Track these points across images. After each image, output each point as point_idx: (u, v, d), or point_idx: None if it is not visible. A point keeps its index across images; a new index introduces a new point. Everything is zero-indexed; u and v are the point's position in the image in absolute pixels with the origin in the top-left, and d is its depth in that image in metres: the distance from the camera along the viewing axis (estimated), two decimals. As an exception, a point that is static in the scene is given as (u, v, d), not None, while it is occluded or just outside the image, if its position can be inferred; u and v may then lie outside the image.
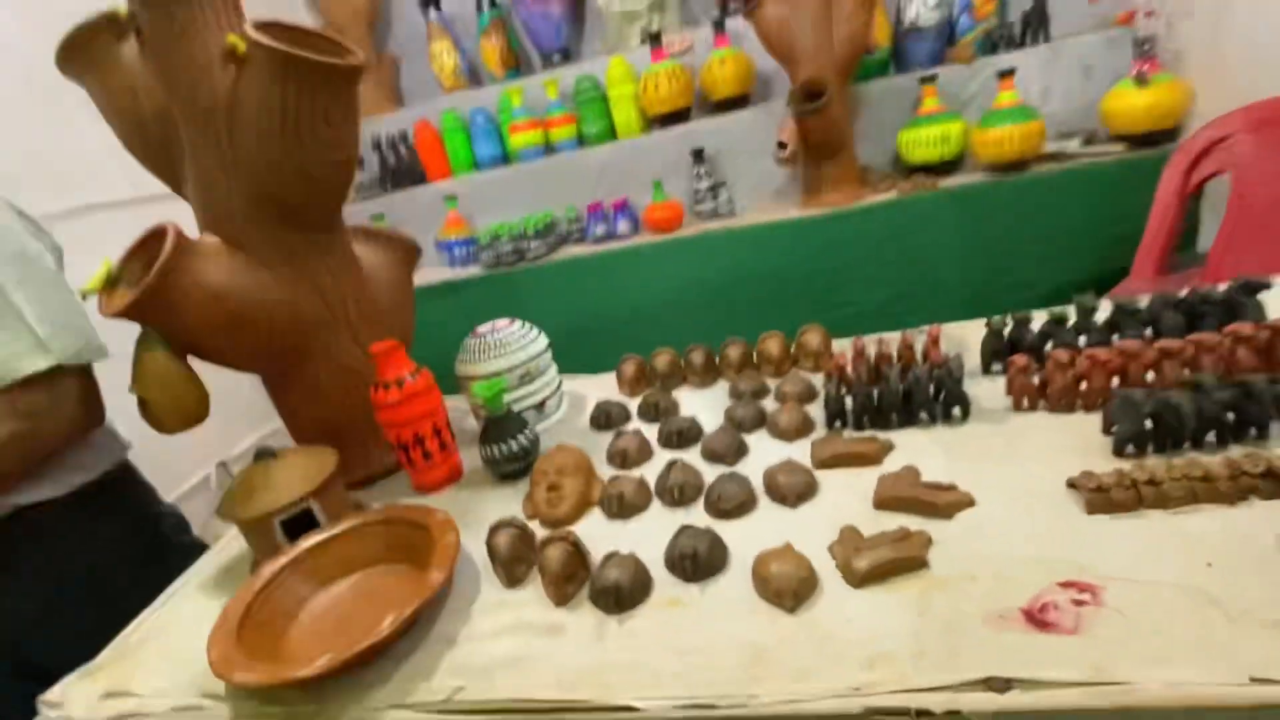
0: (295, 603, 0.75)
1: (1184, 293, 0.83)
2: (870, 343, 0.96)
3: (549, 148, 2.52)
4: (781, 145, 1.98)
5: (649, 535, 0.75)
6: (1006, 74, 1.86)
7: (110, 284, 0.81)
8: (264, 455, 0.84)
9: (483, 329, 1.03)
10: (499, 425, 0.89)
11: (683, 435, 0.89)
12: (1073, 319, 0.87)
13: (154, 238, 0.82)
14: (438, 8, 2.69)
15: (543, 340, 1.05)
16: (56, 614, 0.95)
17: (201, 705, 0.67)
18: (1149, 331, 0.85)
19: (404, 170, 2.70)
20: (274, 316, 0.88)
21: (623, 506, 0.78)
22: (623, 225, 2.27)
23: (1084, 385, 0.78)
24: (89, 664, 0.76)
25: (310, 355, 0.94)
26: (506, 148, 2.56)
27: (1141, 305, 0.84)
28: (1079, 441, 0.73)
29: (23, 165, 1.48)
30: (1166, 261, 1.59)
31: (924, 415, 0.83)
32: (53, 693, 0.73)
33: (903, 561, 0.62)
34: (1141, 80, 1.72)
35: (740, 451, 0.85)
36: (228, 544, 0.96)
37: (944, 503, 0.67)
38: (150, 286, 0.77)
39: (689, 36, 2.39)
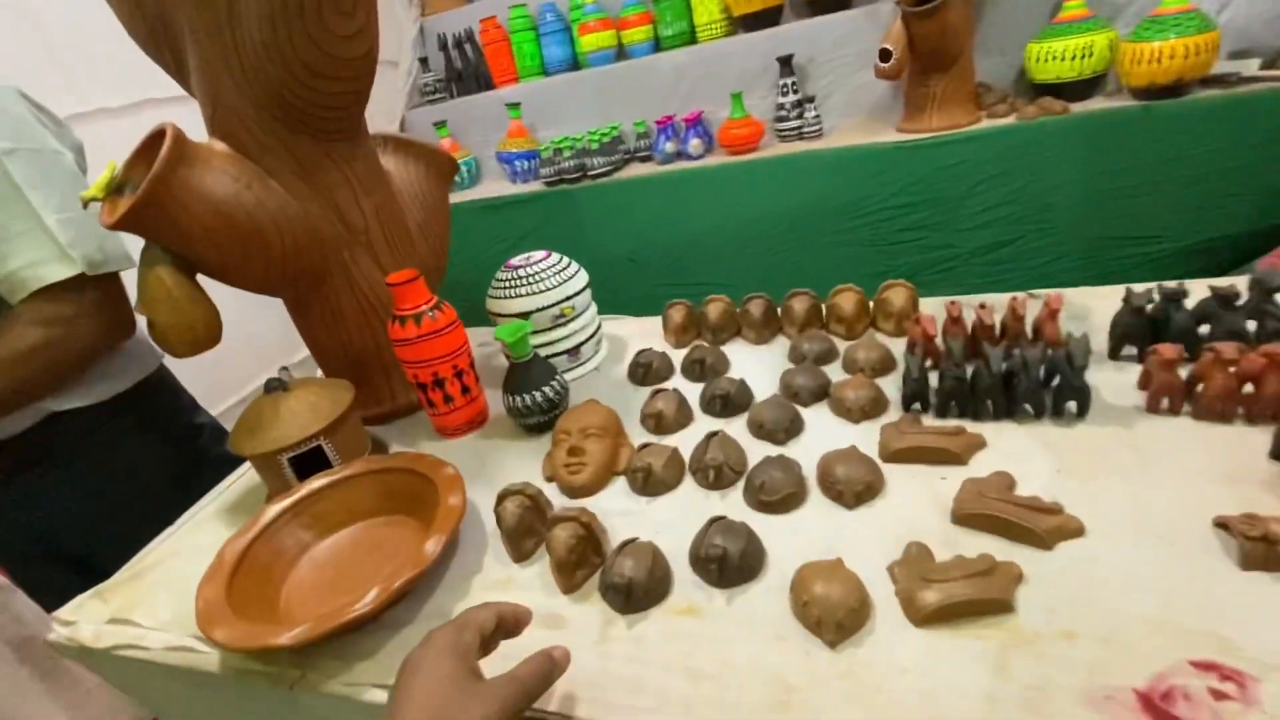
0: (296, 550, 0.71)
1: None
2: (968, 307, 0.79)
3: (621, 51, 2.30)
4: (885, 54, 1.70)
5: (676, 519, 0.65)
6: (1181, -30, 1.50)
7: (114, 190, 0.74)
8: (275, 386, 0.78)
9: (516, 261, 0.92)
10: (523, 373, 0.80)
11: (728, 402, 0.78)
12: (1244, 298, 0.68)
13: (156, 140, 0.74)
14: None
15: (582, 277, 0.93)
16: (93, 513, 0.97)
17: (193, 648, 0.64)
18: (1351, 322, 0.65)
19: (470, 73, 2.55)
20: (287, 234, 0.79)
21: (650, 482, 0.69)
22: (694, 143, 2.07)
23: (1249, 389, 0.61)
24: (102, 584, 0.75)
25: (328, 279, 0.86)
26: (576, 50, 2.35)
27: (1350, 288, 0.64)
28: (1235, 465, 0.57)
29: (38, 60, 1.42)
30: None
31: (1028, 407, 0.67)
32: (65, 610, 0.73)
33: (982, 603, 0.49)
34: (1369, -19, 1.34)
35: (794, 429, 0.73)
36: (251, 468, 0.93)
37: (1044, 528, 0.54)
38: (146, 194, 0.69)
39: (788, -79, 2.07)
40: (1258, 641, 0.44)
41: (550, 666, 0.45)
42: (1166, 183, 1.60)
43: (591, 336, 0.95)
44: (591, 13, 2.23)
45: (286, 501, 0.72)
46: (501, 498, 0.67)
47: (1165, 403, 0.64)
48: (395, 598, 0.58)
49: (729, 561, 0.56)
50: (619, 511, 0.68)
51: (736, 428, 0.76)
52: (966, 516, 0.57)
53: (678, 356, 0.92)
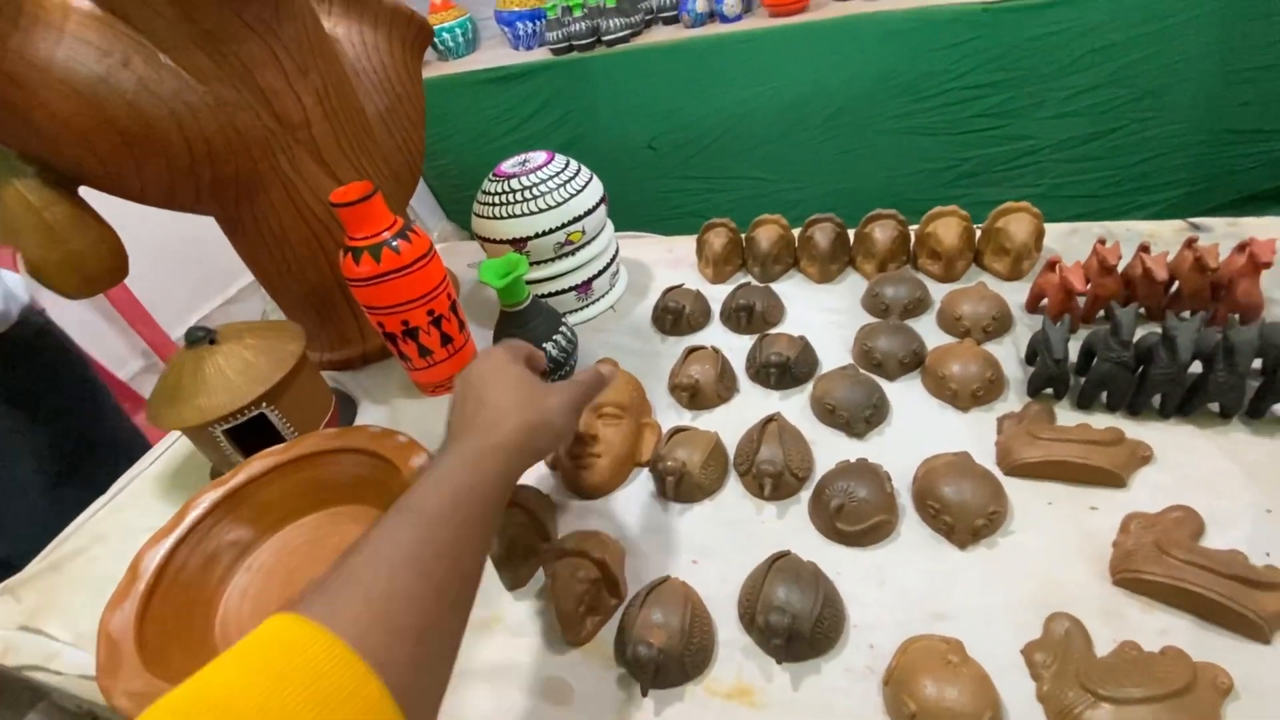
0: (234, 554, 0.56)
1: None
2: (1124, 243, 0.57)
3: (644, -121, 1.87)
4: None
5: (720, 541, 0.50)
6: None
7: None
8: (199, 337, 0.60)
9: (508, 167, 0.70)
10: (518, 323, 0.61)
11: (785, 371, 0.59)
12: None
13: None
14: None
15: (596, 188, 0.71)
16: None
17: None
18: None
19: (459, -93, 2.12)
20: (191, 130, 0.58)
21: (684, 487, 0.52)
22: (730, 1, 1.71)
23: None
24: (13, 578, 0.62)
25: (262, 190, 0.65)
26: (588, -123, 1.92)
27: None
28: None
29: None
30: None
31: (1214, 406, 0.48)
32: (-29, 611, 0.60)
33: (1178, 737, 0.34)
34: None
35: (876, 416, 0.55)
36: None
37: (1261, 612, 0.37)
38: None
39: None
40: None
41: (600, 378, 0.47)
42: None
43: (608, 267, 0.75)
44: None
45: (218, 492, 0.56)
46: (490, 503, 0.51)
47: None
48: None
49: (799, 632, 0.40)
50: (642, 525, 0.52)
51: (797, 406, 0.58)
52: (1138, 581, 0.40)
53: (717, 296, 0.72)
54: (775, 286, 0.73)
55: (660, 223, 1.62)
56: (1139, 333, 0.50)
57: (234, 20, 0.57)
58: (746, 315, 0.66)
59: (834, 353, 0.62)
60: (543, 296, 0.71)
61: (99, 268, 0.60)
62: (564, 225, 0.68)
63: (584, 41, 1.80)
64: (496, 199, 0.68)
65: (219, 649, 0.50)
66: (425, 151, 0.81)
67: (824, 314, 0.67)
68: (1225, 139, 1.42)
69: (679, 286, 0.72)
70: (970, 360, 0.55)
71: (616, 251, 0.78)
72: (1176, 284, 0.55)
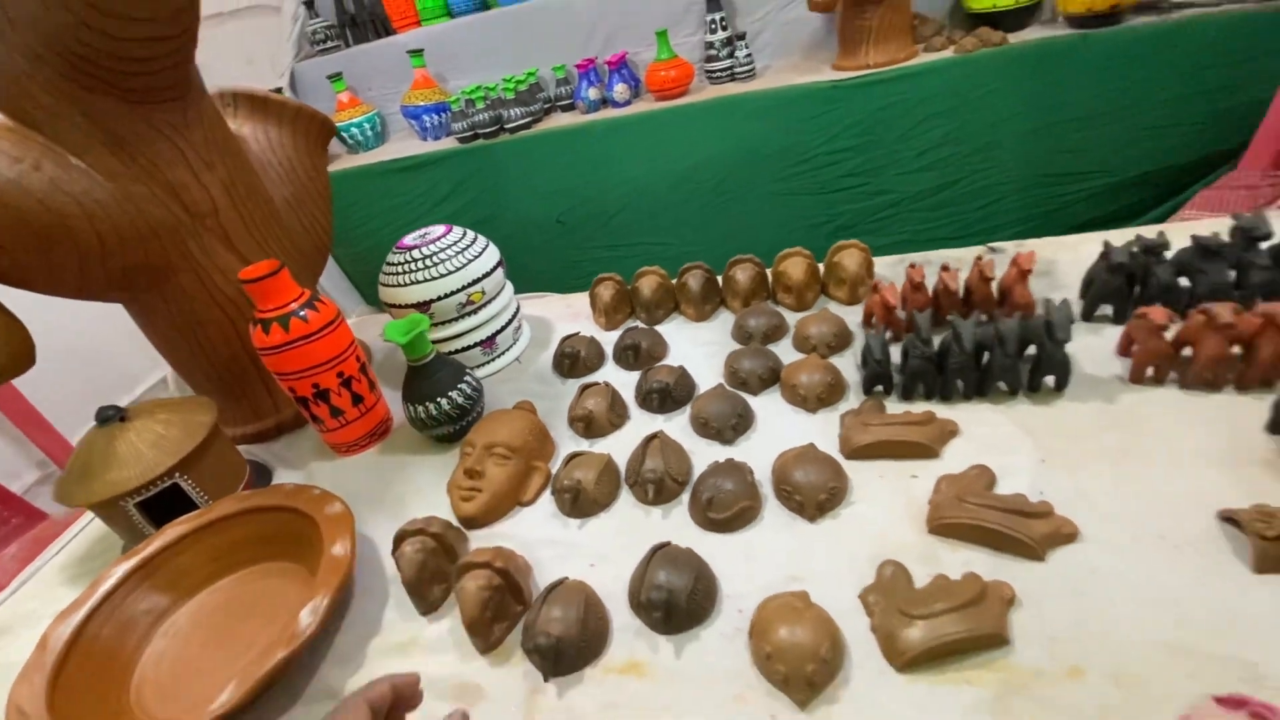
0: (150, 620, 0.58)
1: None
2: (929, 266, 0.70)
3: (553, -13, 2.08)
4: (817, -16, 1.58)
5: (613, 546, 0.56)
6: (1119, -116, 1.42)
7: None
8: (108, 418, 0.63)
9: (410, 239, 0.78)
10: (424, 376, 0.67)
11: (667, 395, 0.67)
12: (1230, 243, 0.61)
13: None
14: None
15: (493, 254, 0.80)
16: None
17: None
18: (1335, 267, 0.59)
19: (364, 18, 2.27)
20: (102, 223, 0.63)
21: (580, 502, 0.58)
22: (619, 88, 1.90)
23: (1238, 350, 0.55)
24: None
25: (173, 275, 0.70)
26: (482, -14, 2.12)
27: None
28: (1231, 442, 0.51)
29: None
30: (1292, 147, 1.26)
31: (1002, 385, 0.59)
32: None
33: (975, 639, 0.42)
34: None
35: (742, 424, 0.63)
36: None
37: (1035, 536, 0.46)
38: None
39: None
40: (1286, 664, 0.38)
41: (385, 692, 0.38)
42: (1105, 114, 1.55)
43: (509, 323, 0.82)
44: (495, -58, 2.00)
45: (131, 563, 0.58)
46: (399, 540, 0.56)
47: (1150, 371, 0.57)
48: (261, 688, 0.46)
49: (676, 604, 0.46)
50: (545, 540, 0.57)
51: (679, 425, 0.66)
52: (945, 526, 0.49)
53: (610, 340, 0.80)
54: (660, 328, 0.82)
55: (572, 289, 1.72)
56: (945, 335, 0.61)
57: (143, 125, 0.64)
58: (634, 353, 0.75)
59: (709, 377, 0.71)
60: (450, 353, 0.77)
61: (8, 360, 0.62)
62: (465, 287, 0.75)
63: (488, 130, 1.93)
64: (400, 268, 0.75)
65: (135, 713, 0.51)
66: (336, 237, 0.88)
67: (700, 346, 0.77)
68: (1047, 182, 1.67)
69: (575, 334, 0.80)
70: (816, 371, 0.64)
71: (518, 310, 0.86)
72: (968, 293, 0.68)
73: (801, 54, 1.90)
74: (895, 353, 0.64)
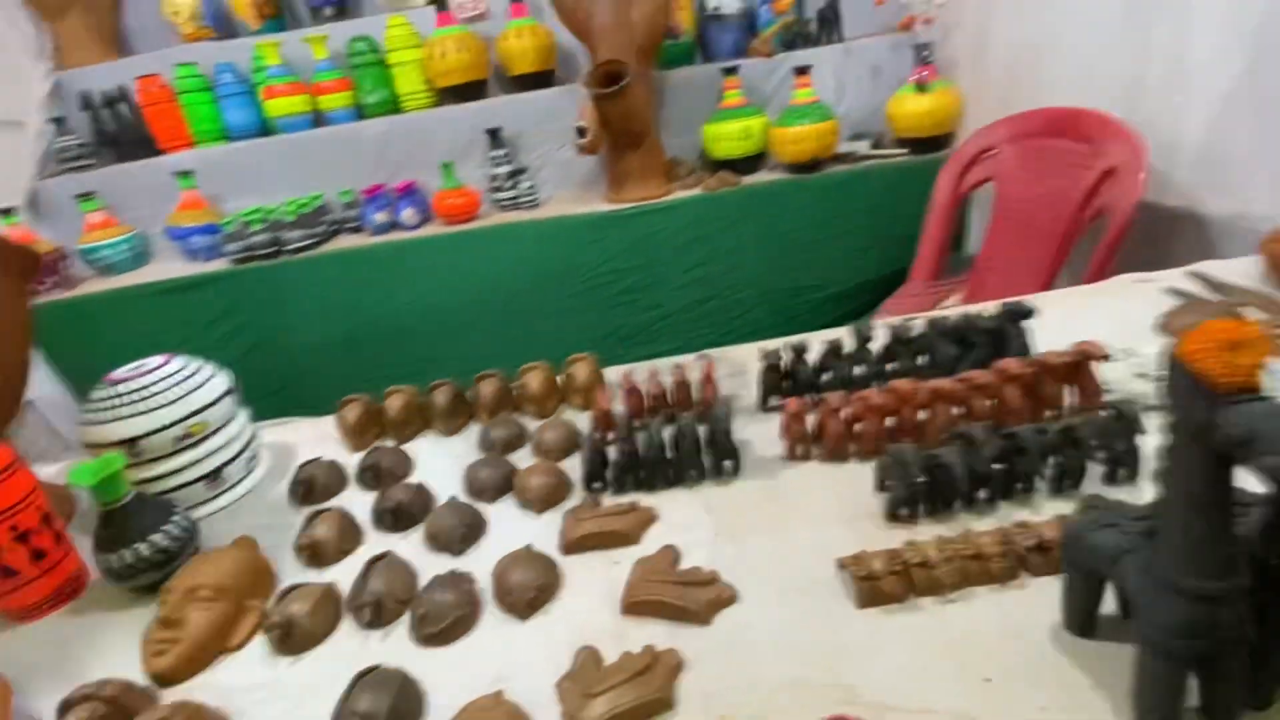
0: None
1: (955, 318, 0.78)
2: (644, 376, 0.81)
3: (319, 117, 2.13)
4: (580, 131, 1.81)
5: (324, 681, 0.54)
6: (803, 70, 1.84)
7: None
8: None
9: (121, 373, 0.74)
10: (119, 521, 0.62)
11: (400, 513, 0.68)
12: (850, 346, 0.79)
13: None
14: (167, -67, 2.15)
15: (219, 383, 0.77)
16: None
17: None
18: (924, 359, 0.78)
19: (127, 137, 2.15)
20: None
21: (291, 639, 0.56)
22: (408, 213, 1.97)
23: (858, 428, 0.70)
24: None
25: None
26: (264, 115, 2.12)
27: (915, 333, 0.77)
28: (852, 502, 0.64)
29: None
30: (941, 264, 1.65)
31: (694, 472, 0.69)
32: None
33: (645, 706, 0.47)
34: (921, 86, 1.78)
35: (473, 534, 0.66)
36: None
37: (700, 604, 0.54)
38: None
39: (483, 1, 2.13)
40: (873, 682, 0.47)
41: None
42: (819, 240, 1.92)
43: (240, 454, 0.79)
44: (277, 75, 2.04)
45: None
46: (64, 709, 0.49)
47: (799, 450, 0.70)
48: None
49: (372, 729, 0.46)
50: (246, 687, 0.54)
51: (413, 542, 0.67)
52: (634, 605, 0.55)
53: (355, 463, 0.80)
54: (411, 444, 0.84)
55: None
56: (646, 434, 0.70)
57: None
58: (373, 474, 0.76)
59: (451, 489, 0.74)
60: (164, 492, 0.72)
61: None
62: (182, 419, 0.72)
63: (265, 251, 1.88)
64: (103, 404, 0.70)
65: None
66: (79, 369, 0.80)
67: (447, 460, 0.80)
68: (785, 294, 1.98)
69: (313, 460, 0.79)
70: (544, 474, 0.70)
71: (254, 438, 0.83)
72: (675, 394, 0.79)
73: (579, 187, 2.13)
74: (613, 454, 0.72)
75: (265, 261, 1.88)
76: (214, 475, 0.76)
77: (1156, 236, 1.26)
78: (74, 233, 1.98)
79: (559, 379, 0.87)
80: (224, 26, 2.31)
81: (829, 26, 2.02)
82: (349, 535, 0.68)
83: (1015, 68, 1.63)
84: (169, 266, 2.00)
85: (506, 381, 0.86)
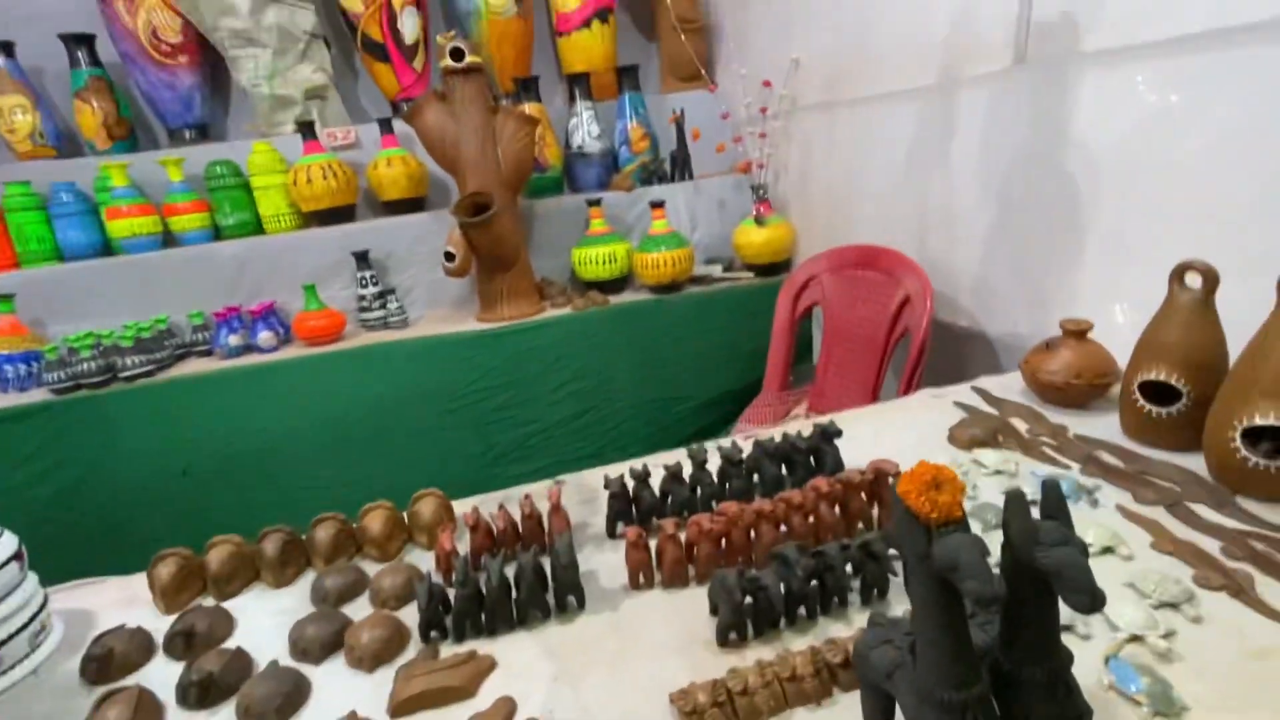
0: None
1: (778, 439, 0.86)
2: (493, 510, 0.81)
3: (169, 239, 2.04)
4: (449, 256, 1.86)
5: None
6: (658, 205, 2.03)
7: None
8: None
9: None
10: None
11: (210, 687, 0.62)
12: (688, 468, 0.84)
13: None
14: (9, 54, 2.07)
15: (6, 546, 0.69)
16: None
17: None
18: (756, 477, 0.85)
19: (-66, 255, 1.94)
20: None
21: None
22: (265, 335, 1.89)
23: (696, 551, 0.73)
24: None
25: None
26: (106, 235, 2.00)
27: (744, 455, 0.84)
28: (688, 630, 0.66)
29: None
30: (789, 376, 1.81)
31: (536, 613, 0.69)
32: None
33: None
34: (759, 220, 2.01)
35: (291, 704, 0.61)
36: None
37: (530, 758, 0.53)
38: None
39: (353, 131, 2.20)
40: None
41: None
42: (683, 355, 2.04)
43: (24, 628, 0.69)
44: (124, 196, 1.95)
45: None
46: None
47: (641, 578, 0.72)
48: None
49: None
50: None
51: (224, 718, 0.61)
52: (462, 769, 0.53)
53: (163, 629, 0.72)
54: (236, 601, 0.77)
55: (206, 539, 1.50)
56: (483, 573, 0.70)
57: None
58: (185, 640, 0.69)
59: (275, 651, 0.68)
60: (-92, 689, 0.61)
61: None
62: (-57, 599, 0.62)
63: (95, 379, 1.71)
64: None
65: None
66: None
67: (274, 617, 0.74)
68: (656, 405, 2.06)
69: (114, 630, 0.70)
70: (376, 627, 0.67)
71: (44, 606, 0.73)
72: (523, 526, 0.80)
73: (450, 306, 2.16)
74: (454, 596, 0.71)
75: (94, 390, 1.71)
76: (-20, 660, 0.65)
77: (951, 352, 1.47)
78: None
79: (405, 515, 0.85)
80: (67, 146, 2.20)
81: (680, 166, 2.26)
82: (147, 718, 0.60)
83: (832, 207, 1.90)
84: (-31, 399, 1.76)
85: (347, 524, 0.83)
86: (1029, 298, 1.28)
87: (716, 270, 2.16)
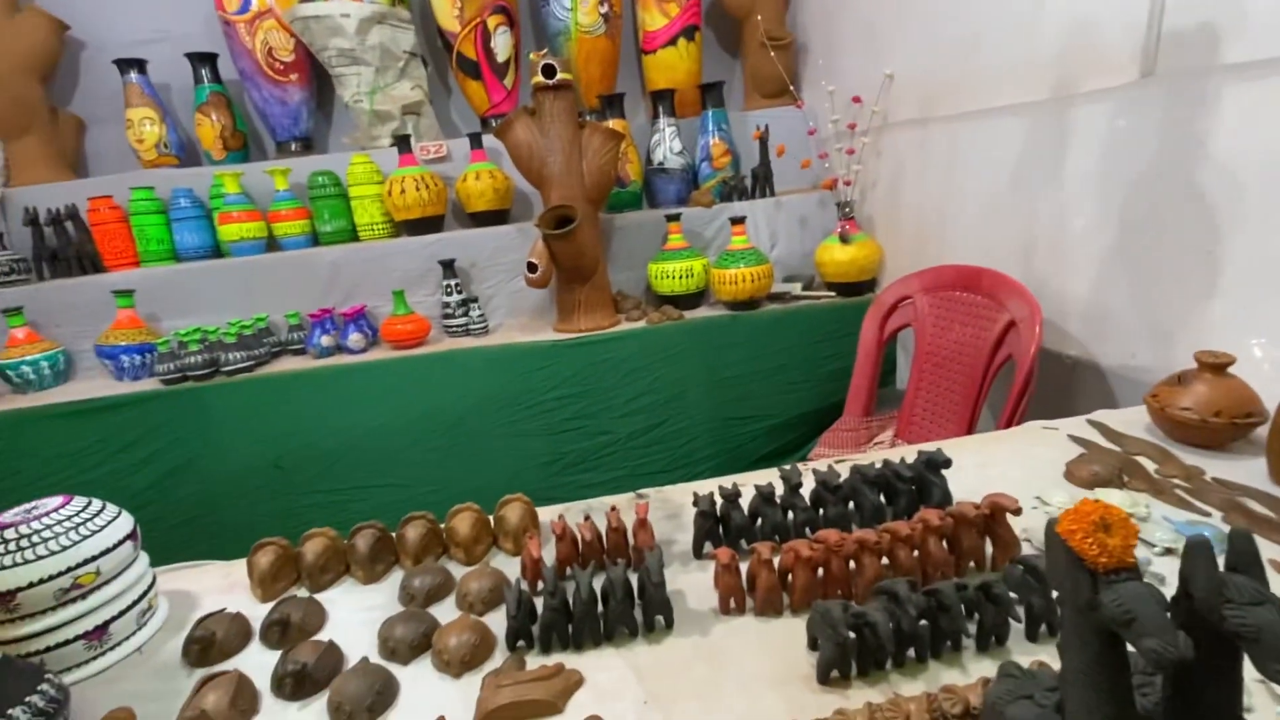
0: None
1: (878, 466, 0.81)
2: (578, 518, 0.80)
3: (272, 243, 2.16)
4: (532, 266, 1.89)
5: None
6: (738, 220, 2.01)
7: None
8: None
9: (9, 517, 0.68)
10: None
11: (303, 678, 0.63)
12: (780, 490, 0.80)
13: None
14: (141, 71, 2.26)
15: (121, 527, 0.72)
16: None
17: None
18: (852, 505, 0.80)
19: (70, 254, 2.13)
20: None
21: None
22: (354, 337, 1.97)
23: (790, 579, 0.69)
24: None
25: None
26: (217, 238, 2.15)
27: (841, 480, 0.79)
28: (785, 664, 0.62)
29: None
30: (873, 400, 1.73)
31: (624, 629, 0.67)
32: None
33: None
34: (844, 238, 1.95)
35: (381, 703, 0.61)
36: None
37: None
38: None
39: (445, 145, 2.28)
40: None
41: None
42: (758, 373, 1.99)
43: (132, 606, 0.72)
44: (235, 203, 2.09)
45: None
46: None
47: (732, 603, 0.69)
48: None
49: None
50: None
51: (315, 711, 0.62)
52: (552, 789, 0.51)
53: (260, 616, 0.74)
54: (327, 594, 0.78)
55: (293, 534, 1.57)
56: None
57: None
58: (281, 629, 0.70)
59: (364, 647, 0.69)
60: (33, 654, 0.65)
61: None
62: (70, 569, 0.66)
63: (200, 372, 1.82)
64: (-19, 556, 0.64)
65: None
66: None
67: (364, 613, 0.75)
68: (729, 423, 2.02)
69: (215, 613, 0.73)
70: (465, 631, 0.66)
71: (152, 586, 0.76)
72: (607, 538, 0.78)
73: (529, 315, 2.19)
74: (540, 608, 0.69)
75: (198, 383, 1.82)
76: (98, 631, 0.68)
77: (1060, 382, 1.37)
78: (-3, 349, 1.91)
79: (491, 519, 0.85)
80: (187, 155, 2.38)
81: (761, 182, 2.23)
82: (242, 705, 0.61)
83: (923, 226, 1.82)
84: (92, 385, 1.91)
85: (435, 524, 0.84)
86: (1151, 327, 1.18)
87: (796, 288, 2.11)
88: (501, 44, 2.28)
